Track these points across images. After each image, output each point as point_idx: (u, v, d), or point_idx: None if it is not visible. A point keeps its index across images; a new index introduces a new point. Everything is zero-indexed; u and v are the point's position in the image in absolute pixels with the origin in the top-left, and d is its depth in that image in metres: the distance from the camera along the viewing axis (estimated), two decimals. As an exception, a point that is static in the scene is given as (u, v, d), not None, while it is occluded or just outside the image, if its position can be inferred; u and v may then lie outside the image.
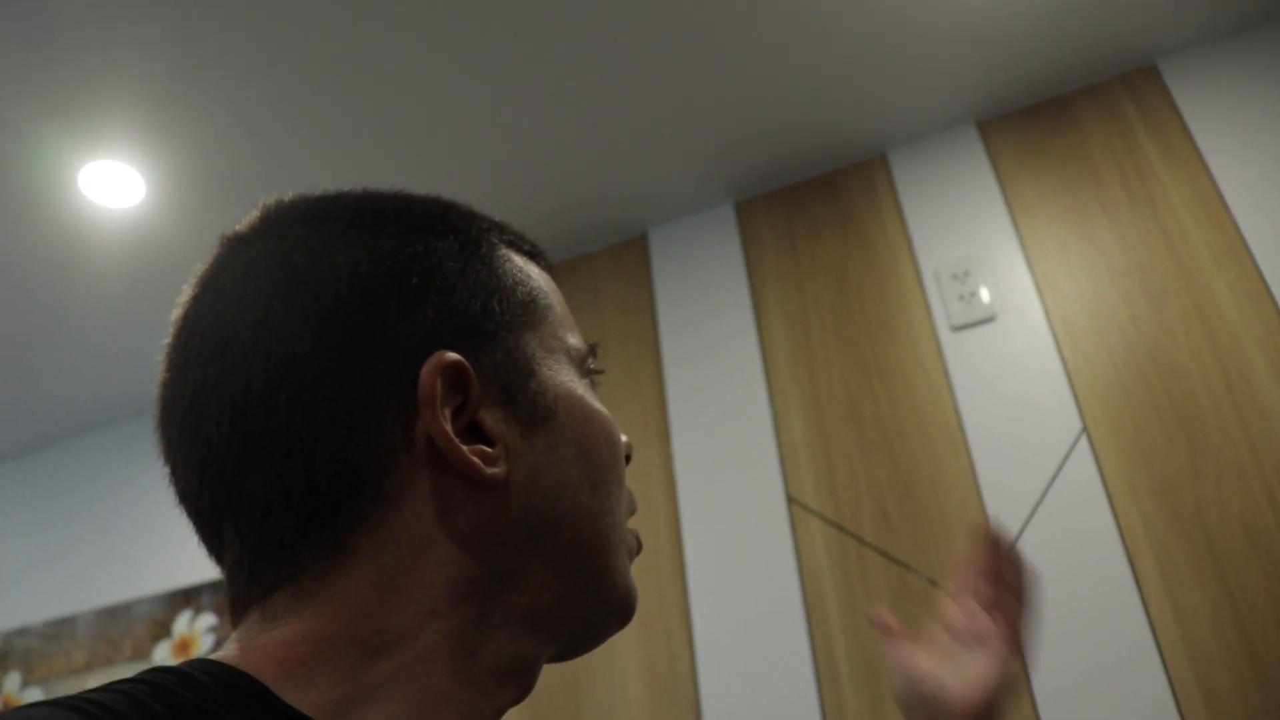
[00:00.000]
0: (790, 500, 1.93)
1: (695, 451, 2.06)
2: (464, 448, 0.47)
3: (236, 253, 0.53)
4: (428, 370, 0.47)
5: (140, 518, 2.63)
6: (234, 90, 1.87)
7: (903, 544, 1.81)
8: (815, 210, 2.21)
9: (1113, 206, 1.93)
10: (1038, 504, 1.74)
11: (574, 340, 0.57)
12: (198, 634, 2.41)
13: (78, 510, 2.82)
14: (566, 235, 2.35)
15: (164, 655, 2.43)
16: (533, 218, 2.00)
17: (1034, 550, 1.69)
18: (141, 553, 2.61)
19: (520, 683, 0.51)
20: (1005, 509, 1.76)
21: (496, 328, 0.52)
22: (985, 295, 1.94)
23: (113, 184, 2.03)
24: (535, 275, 0.57)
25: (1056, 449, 1.77)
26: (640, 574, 2.00)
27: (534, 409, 0.51)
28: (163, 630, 2.45)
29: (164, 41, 1.75)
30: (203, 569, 2.46)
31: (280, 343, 0.48)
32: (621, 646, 1.92)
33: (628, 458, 0.59)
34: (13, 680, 2.63)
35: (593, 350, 0.59)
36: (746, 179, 2.25)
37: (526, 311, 0.54)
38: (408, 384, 0.48)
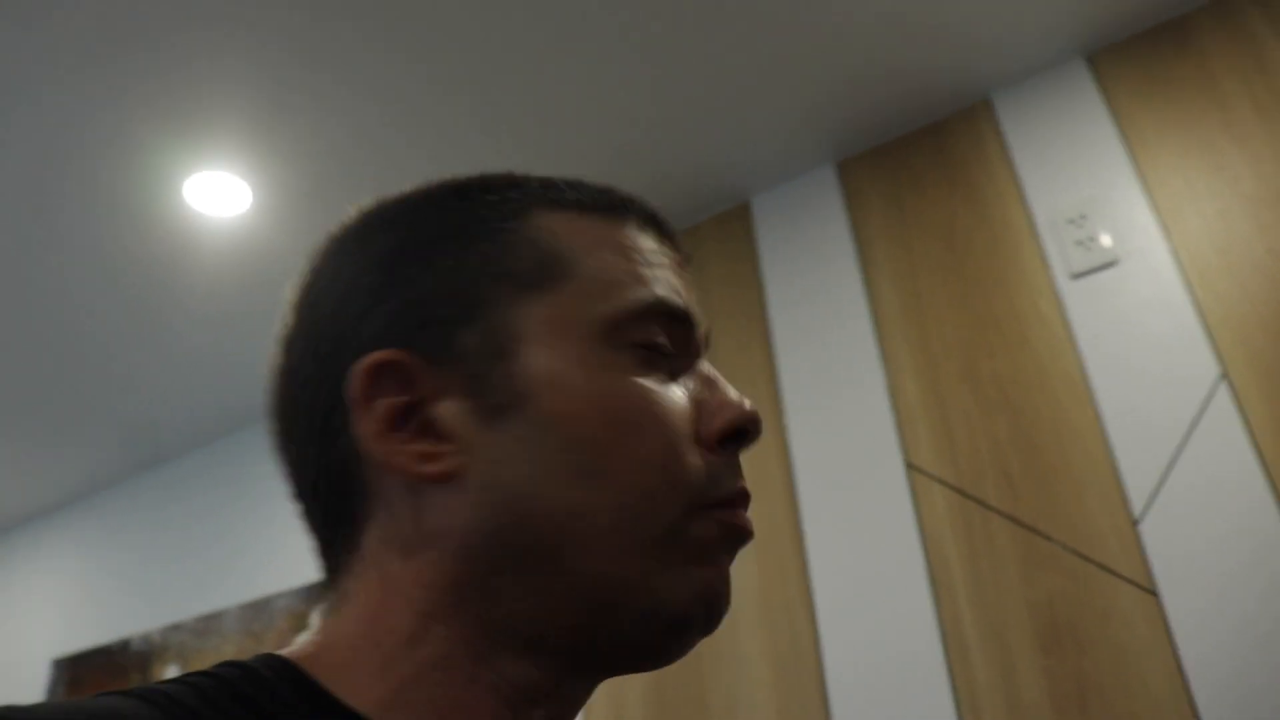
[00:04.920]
0: (909, 467, 1.86)
1: (809, 422, 2.01)
2: (398, 446, 0.46)
3: (314, 257, 0.56)
4: (355, 372, 0.47)
5: (272, 515, 2.73)
6: (338, 97, 1.91)
7: (1028, 506, 1.72)
8: (919, 164, 2.12)
9: (1242, 130, 1.78)
10: (1175, 457, 1.63)
11: (607, 305, 0.49)
12: (334, 625, 2.49)
13: (217, 511, 2.96)
14: (669, 208, 2.31)
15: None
16: (636, 192, 1.96)
17: (1174, 507, 1.59)
18: (277, 548, 2.71)
19: (550, 710, 0.47)
20: (1139, 464, 1.66)
21: (475, 308, 0.49)
22: (1105, 239, 1.83)
23: (219, 194, 2.09)
24: (567, 234, 0.51)
25: (1193, 397, 1.66)
26: (758, 550, 1.96)
27: (499, 397, 0.47)
28: (302, 623, 2.53)
29: (269, 50, 1.79)
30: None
31: (293, 355, 0.52)
32: (744, 624, 1.89)
33: (740, 430, 0.50)
34: (171, 674, 2.77)
35: (654, 311, 0.50)
36: (847, 136, 2.17)
37: (532, 280, 0.49)
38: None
